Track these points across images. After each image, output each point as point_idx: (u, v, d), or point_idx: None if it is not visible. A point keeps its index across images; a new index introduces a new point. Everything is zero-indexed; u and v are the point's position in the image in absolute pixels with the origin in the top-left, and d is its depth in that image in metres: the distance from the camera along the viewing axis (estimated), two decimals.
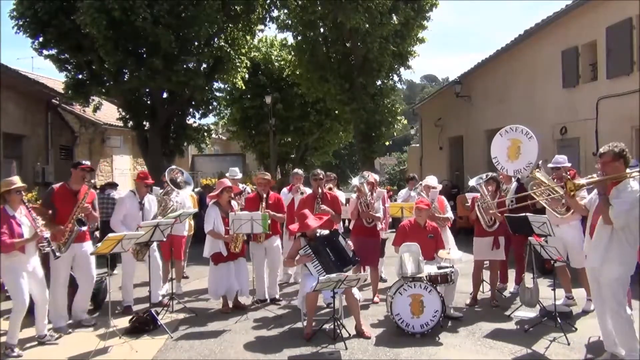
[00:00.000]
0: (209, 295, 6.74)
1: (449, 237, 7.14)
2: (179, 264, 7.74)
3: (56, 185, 6.05)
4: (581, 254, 5.97)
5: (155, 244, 6.56)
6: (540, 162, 6.07)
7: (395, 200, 10.12)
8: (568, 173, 6.26)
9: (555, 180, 6.12)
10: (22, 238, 5.10)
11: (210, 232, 6.50)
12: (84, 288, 6.12)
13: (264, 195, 6.96)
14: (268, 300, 6.94)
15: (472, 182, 6.89)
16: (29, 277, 5.24)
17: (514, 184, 7.03)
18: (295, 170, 8.57)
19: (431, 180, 7.41)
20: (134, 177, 18.97)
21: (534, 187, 6.05)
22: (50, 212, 5.75)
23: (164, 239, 6.42)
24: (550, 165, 6.40)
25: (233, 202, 6.82)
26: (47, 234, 5.26)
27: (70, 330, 5.84)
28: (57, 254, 5.40)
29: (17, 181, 5.27)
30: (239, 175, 8.26)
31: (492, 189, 6.68)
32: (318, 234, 5.81)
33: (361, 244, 6.65)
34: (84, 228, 5.78)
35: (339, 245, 5.75)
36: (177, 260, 7.60)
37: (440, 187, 7.48)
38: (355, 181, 7.10)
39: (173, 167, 7.73)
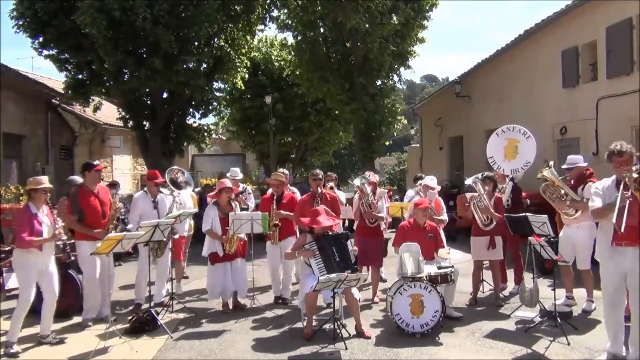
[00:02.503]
0: (207, 295, 6.76)
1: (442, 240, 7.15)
2: (179, 264, 7.73)
3: (75, 190, 6.30)
4: (588, 256, 5.95)
5: (169, 243, 6.75)
6: (552, 162, 6.03)
7: (397, 200, 10.14)
8: (586, 173, 6.21)
9: (571, 181, 6.06)
10: (40, 236, 5.21)
11: (208, 231, 6.52)
12: (103, 284, 6.20)
13: (276, 196, 6.99)
14: (280, 301, 6.97)
15: (468, 181, 6.90)
16: (42, 275, 5.32)
17: (509, 184, 7.02)
18: (281, 170, 8.54)
19: (430, 180, 7.42)
20: (135, 177, 19.10)
21: (546, 189, 6.01)
22: (76, 217, 6.00)
23: (164, 239, 6.44)
24: (564, 166, 6.27)
25: (233, 203, 6.82)
26: (64, 236, 5.44)
27: (91, 324, 5.99)
28: (72, 257, 5.63)
29: (45, 181, 5.46)
30: (240, 176, 8.26)
31: (489, 189, 6.66)
32: (326, 233, 5.80)
33: (364, 244, 6.65)
34: (130, 226, 6.04)
35: (345, 249, 5.74)
36: (177, 260, 7.60)
37: (438, 188, 7.49)
38: (356, 182, 7.11)
39: (174, 167, 7.73)
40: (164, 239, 6.44)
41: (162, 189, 7.02)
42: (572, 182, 6.04)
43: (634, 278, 4.30)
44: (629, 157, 4.35)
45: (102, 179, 6.43)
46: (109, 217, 6.21)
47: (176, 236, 7.12)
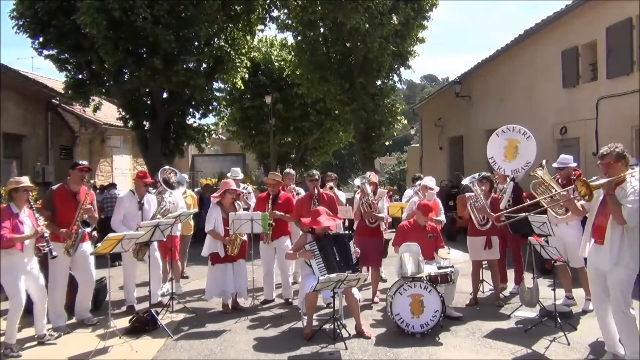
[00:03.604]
0: (205, 295, 6.75)
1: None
2: (176, 264, 7.70)
3: (55, 187, 6.10)
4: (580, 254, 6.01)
5: (155, 243, 6.58)
6: (544, 161, 6.05)
7: (396, 200, 10.13)
8: (574, 173, 6.23)
9: (559, 181, 6.08)
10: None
11: (211, 232, 6.51)
12: (84, 287, 6.15)
13: (272, 196, 7.00)
14: (275, 301, 6.94)
15: (465, 181, 6.90)
16: (27, 277, 5.27)
17: (510, 184, 7.02)
18: (287, 170, 8.56)
19: (429, 181, 7.42)
20: (134, 176, 19.10)
21: (536, 186, 6.02)
22: (49, 213, 5.80)
23: (164, 239, 6.43)
24: (555, 165, 6.32)
25: (236, 203, 6.82)
26: (46, 233, 5.30)
27: (68, 329, 5.86)
28: (54, 253, 5.38)
29: (25, 181, 5.37)
30: (241, 176, 8.22)
31: (486, 189, 6.69)
32: (326, 233, 5.79)
33: (364, 244, 6.66)
34: (88, 229, 5.78)
35: (347, 249, 5.75)
36: (173, 260, 7.58)
37: (437, 189, 7.49)
38: (357, 182, 7.12)
39: (166, 167, 7.71)
40: (164, 239, 6.44)
41: (150, 189, 6.97)
42: (560, 181, 6.09)
43: (608, 277, 4.36)
44: (610, 160, 4.36)
45: (85, 180, 6.11)
46: (75, 217, 5.80)
47: (177, 234, 7.09)
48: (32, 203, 5.48)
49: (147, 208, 6.72)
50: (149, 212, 6.74)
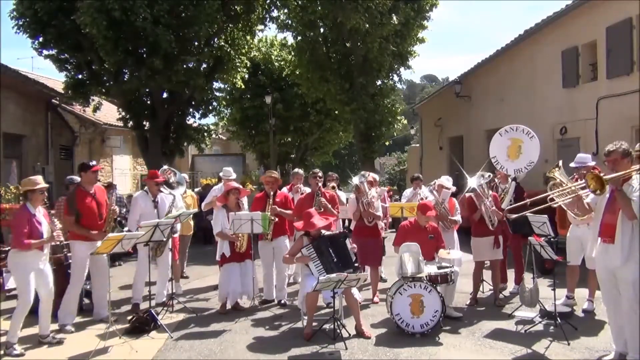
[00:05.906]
0: (218, 298, 6.73)
1: (455, 240, 7.15)
2: (176, 264, 7.68)
3: (72, 191, 6.25)
4: None
5: (170, 243, 6.74)
6: (560, 162, 6.03)
7: (396, 200, 10.12)
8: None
9: (578, 181, 6.04)
10: (41, 237, 5.21)
11: (219, 233, 6.59)
12: (101, 287, 6.18)
13: (271, 194, 7.00)
14: (275, 302, 6.93)
15: (473, 184, 6.85)
16: (38, 275, 5.30)
17: (512, 184, 7.02)
18: (296, 169, 8.55)
19: (445, 180, 7.37)
20: (135, 177, 19.10)
21: (553, 188, 5.98)
22: (74, 218, 5.95)
23: (164, 239, 6.44)
24: (572, 164, 6.23)
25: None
26: (62, 238, 5.48)
27: (72, 329, 5.88)
28: (69, 260, 5.62)
29: (41, 181, 5.42)
30: (233, 176, 7.99)
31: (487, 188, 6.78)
32: (322, 234, 5.78)
33: (363, 244, 6.66)
34: (126, 229, 5.97)
35: (344, 248, 5.72)
36: (173, 260, 7.56)
37: (454, 189, 7.45)
38: (355, 180, 7.12)
39: (165, 167, 7.73)
40: (164, 239, 6.44)
41: (162, 189, 7.02)
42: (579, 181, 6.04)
43: (619, 275, 4.33)
44: (616, 157, 4.37)
45: (99, 180, 6.37)
46: (106, 219, 6.16)
47: (176, 235, 7.12)
48: (47, 203, 5.55)
49: (161, 206, 6.81)
50: (164, 210, 6.80)
